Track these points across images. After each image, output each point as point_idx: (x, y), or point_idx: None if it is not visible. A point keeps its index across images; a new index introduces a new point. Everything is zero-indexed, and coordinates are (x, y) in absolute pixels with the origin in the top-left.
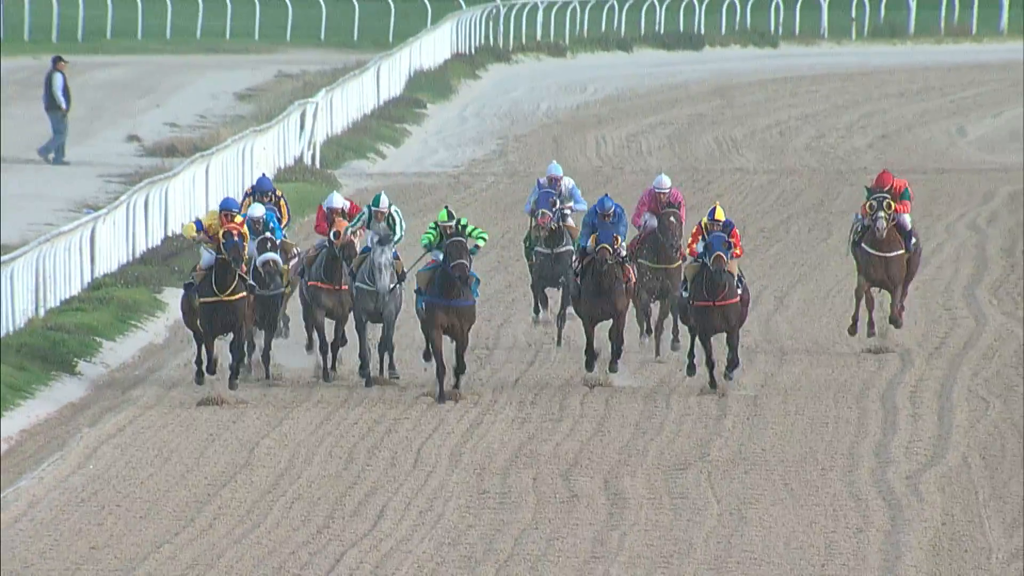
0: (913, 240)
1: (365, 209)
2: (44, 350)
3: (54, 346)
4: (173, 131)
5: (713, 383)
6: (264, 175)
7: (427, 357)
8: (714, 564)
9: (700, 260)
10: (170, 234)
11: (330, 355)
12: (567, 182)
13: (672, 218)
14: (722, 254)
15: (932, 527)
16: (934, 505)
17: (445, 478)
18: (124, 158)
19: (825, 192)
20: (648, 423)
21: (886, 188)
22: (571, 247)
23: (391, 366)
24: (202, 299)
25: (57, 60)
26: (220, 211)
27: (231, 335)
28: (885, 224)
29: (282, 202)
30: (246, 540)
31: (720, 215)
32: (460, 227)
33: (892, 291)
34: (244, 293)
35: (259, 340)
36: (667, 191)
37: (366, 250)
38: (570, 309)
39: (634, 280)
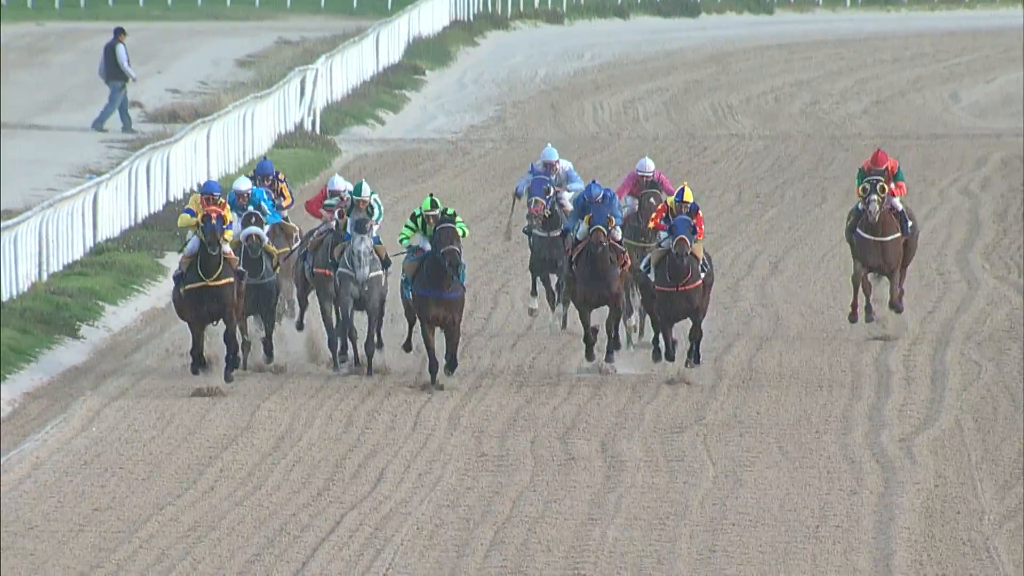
0: (910, 223)
1: (346, 195)
2: (47, 314)
3: (57, 310)
4: (175, 97)
5: (671, 356)
6: (266, 158)
7: (407, 348)
8: (709, 526)
9: (664, 245)
10: (171, 199)
11: (339, 347)
12: (564, 165)
13: (652, 199)
14: (686, 238)
15: (925, 489)
16: (927, 467)
17: (444, 441)
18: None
19: (820, 158)
20: (644, 387)
21: (881, 168)
22: (568, 228)
23: (369, 363)
24: (187, 286)
25: (119, 32)
26: (201, 195)
27: (222, 325)
28: (878, 207)
29: (283, 185)
30: (247, 502)
31: (688, 196)
32: (446, 214)
33: (890, 276)
34: (231, 279)
35: (260, 332)
36: (650, 174)
37: (348, 237)
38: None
39: (629, 264)
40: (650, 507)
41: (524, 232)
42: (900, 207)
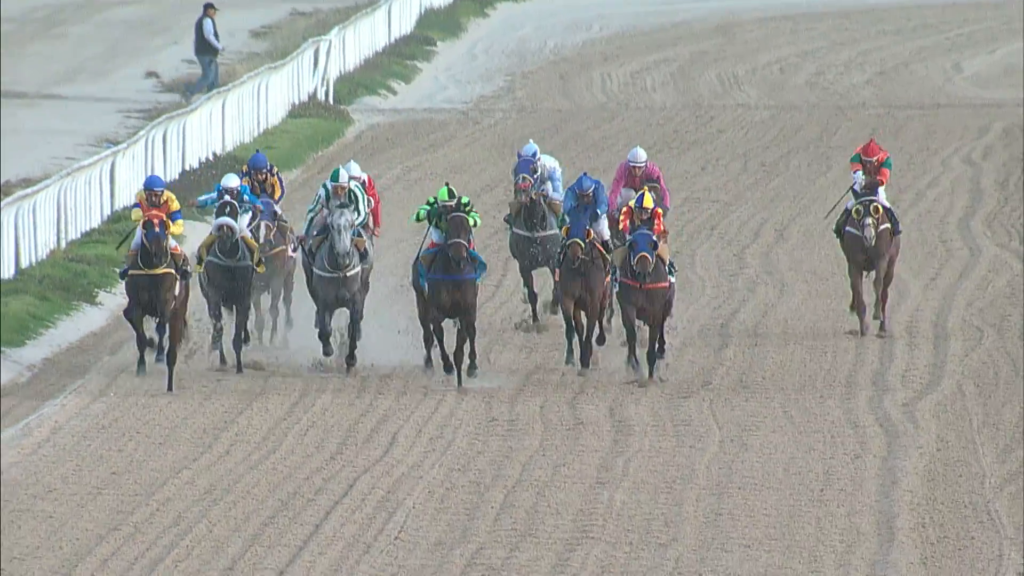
0: (896, 221)
1: (321, 189)
2: (66, 281)
3: (75, 277)
4: (190, 68)
5: (639, 376)
6: (259, 151)
7: (428, 362)
8: (716, 489)
9: (627, 245)
10: (187, 168)
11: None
12: (549, 163)
13: (652, 193)
14: (647, 255)
15: (927, 453)
16: (929, 432)
17: (455, 406)
18: (143, 94)
19: (824, 127)
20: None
21: (873, 158)
22: (555, 231)
23: (351, 357)
24: (130, 272)
25: (208, 7)
26: (144, 190)
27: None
28: (873, 233)
29: (275, 179)
30: (262, 466)
31: (648, 202)
32: (461, 205)
33: (877, 269)
34: (171, 270)
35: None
36: (642, 164)
37: (323, 231)
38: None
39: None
40: (657, 471)
41: (505, 221)
42: (887, 203)
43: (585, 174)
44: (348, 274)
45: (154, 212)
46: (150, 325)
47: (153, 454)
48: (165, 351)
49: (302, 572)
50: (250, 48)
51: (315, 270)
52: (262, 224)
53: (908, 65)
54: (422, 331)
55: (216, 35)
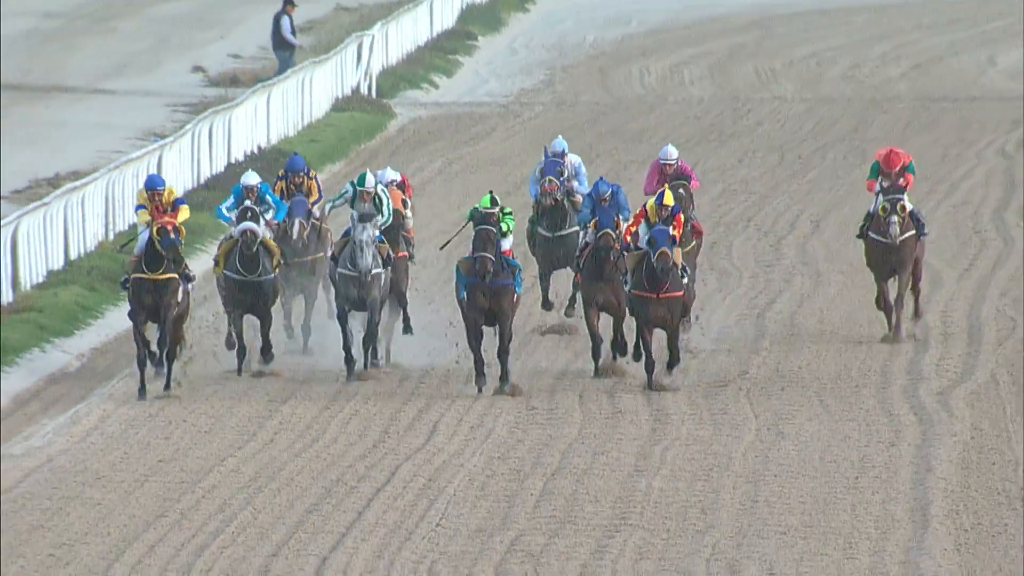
0: (922, 223)
1: (348, 187)
2: (114, 272)
3: (123, 268)
4: (236, 62)
5: (650, 383)
6: (296, 154)
7: (479, 377)
8: (752, 477)
9: (642, 250)
10: (233, 161)
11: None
12: (574, 159)
13: (681, 190)
14: (667, 250)
15: (961, 441)
16: (963, 420)
17: (495, 396)
18: (189, 88)
19: (860, 120)
20: (688, 343)
21: (895, 169)
22: (576, 228)
23: (375, 354)
24: (132, 275)
25: (287, 3)
26: (146, 191)
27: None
28: (898, 231)
29: (313, 182)
30: (305, 454)
31: (668, 200)
32: (503, 214)
33: (900, 275)
34: (175, 275)
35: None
36: (674, 162)
37: (347, 232)
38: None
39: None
40: (694, 459)
41: (530, 223)
42: (911, 207)
43: (601, 179)
44: (371, 273)
45: (166, 219)
46: (151, 333)
47: (199, 442)
48: (164, 354)
49: (345, 558)
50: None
51: (338, 268)
52: (296, 221)
53: (943, 59)
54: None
55: (293, 31)
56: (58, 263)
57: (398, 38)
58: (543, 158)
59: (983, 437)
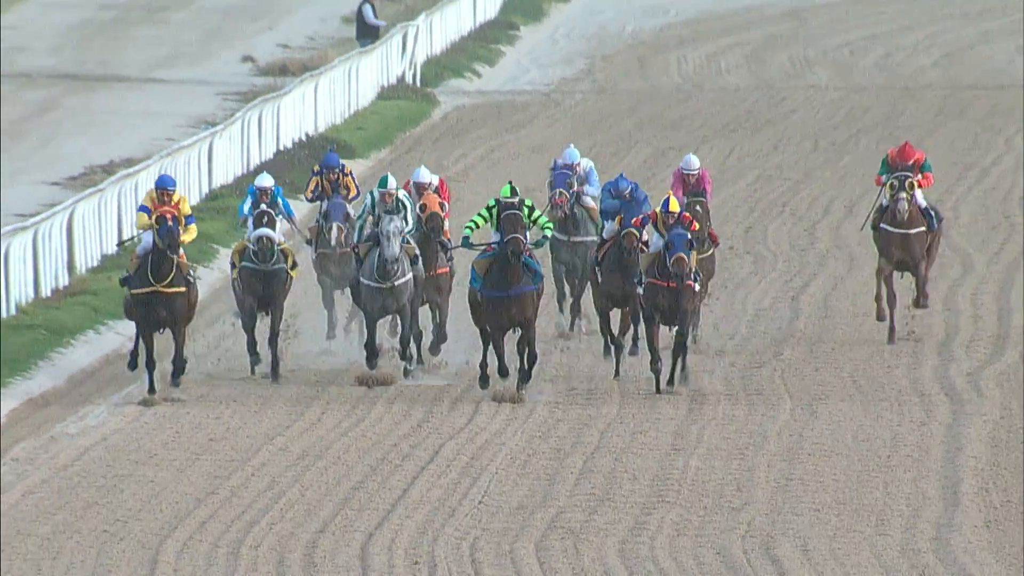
0: (935, 219)
1: (367, 196)
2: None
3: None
4: (285, 52)
5: (658, 387)
6: (331, 151)
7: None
8: (786, 455)
9: (654, 252)
10: (281, 148)
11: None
12: (585, 164)
13: (698, 207)
14: (683, 255)
15: (991, 420)
16: (993, 400)
17: (536, 376)
18: (239, 77)
19: (892, 108)
20: (725, 324)
21: (908, 162)
22: (592, 236)
23: (418, 358)
24: (134, 290)
25: None
26: (155, 189)
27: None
28: (907, 207)
29: (349, 179)
30: (352, 433)
31: (674, 206)
32: (523, 205)
33: (914, 270)
34: (182, 288)
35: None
36: (695, 171)
37: (371, 237)
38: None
39: None
40: (730, 438)
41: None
42: (924, 203)
43: (621, 174)
44: (396, 283)
45: (166, 208)
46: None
47: (248, 421)
48: (174, 370)
49: (390, 534)
50: (342, 33)
51: (362, 279)
52: (334, 225)
53: (973, 47)
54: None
55: (375, 16)
56: (112, 247)
57: (442, 28)
58: (553, 168)
59: (1012, 417)
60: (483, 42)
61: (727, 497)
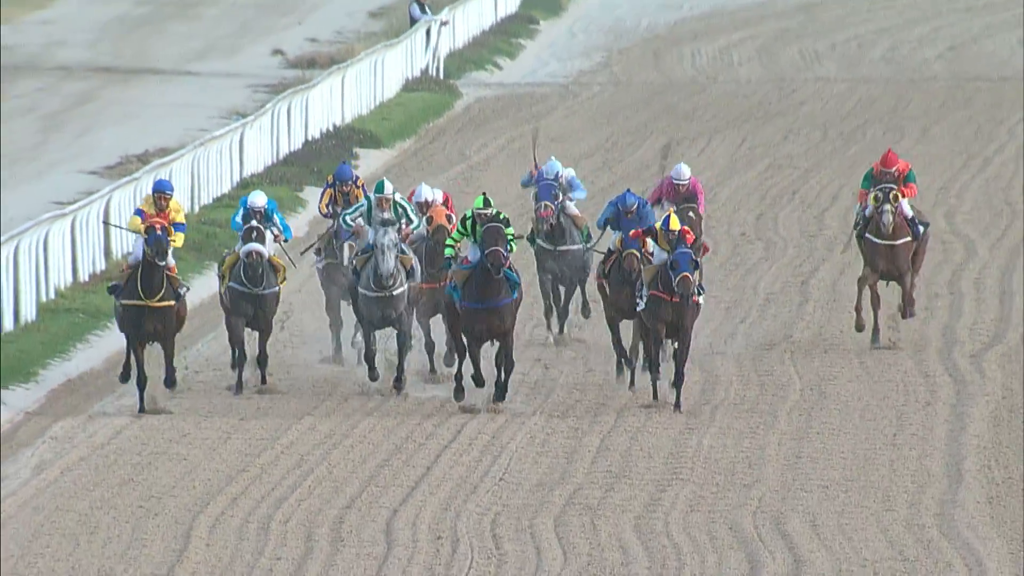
0: (921, 228)
1: (364, 200)
2: (198, 242)
3: (207, 239)
4: (313, 45)
5: (656, 394)
6: (344, 163)
7: (448, 363)
8: (796, 435)
9: (657, 264)
10: (310, 138)
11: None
12: (567, 173)
13: (691, 213)
14: (689, 275)
15: (993, 400)
16: (995, 381)
17: (554, 359)
18: (269, 70)
19: (898, 99)
20: (737, 308)
21: (891, 169)
22: (578, 244)
23: (398, 378)
24: (124, 301)
25: None
26: (153, 194)
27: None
28: (891, 219)
29: (360, 191)
30: (377, 412)
31: (675, 224)
32: (497, 216)
33: (900, 280)
34: (172, 302)
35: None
36: (686, 182)
37: (368, 248)
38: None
39: None
40: (742, 418)
41: (528, 240)
42: (910, 213)
43: (628, 191)
44: (394, 293)
45: (156, 219)
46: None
47: (278, 402)
48: (166, 380)
49: (414, 510)
50: (368, 28)
51: (360, 289)
52: (346, 245)
53: (977, 40)
54: (454, 344)
55: (423, 9)
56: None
57: (464, 22)
58: (536, 177)
59: (1014, 396)
60: (504, 36)
61: (739, 474)
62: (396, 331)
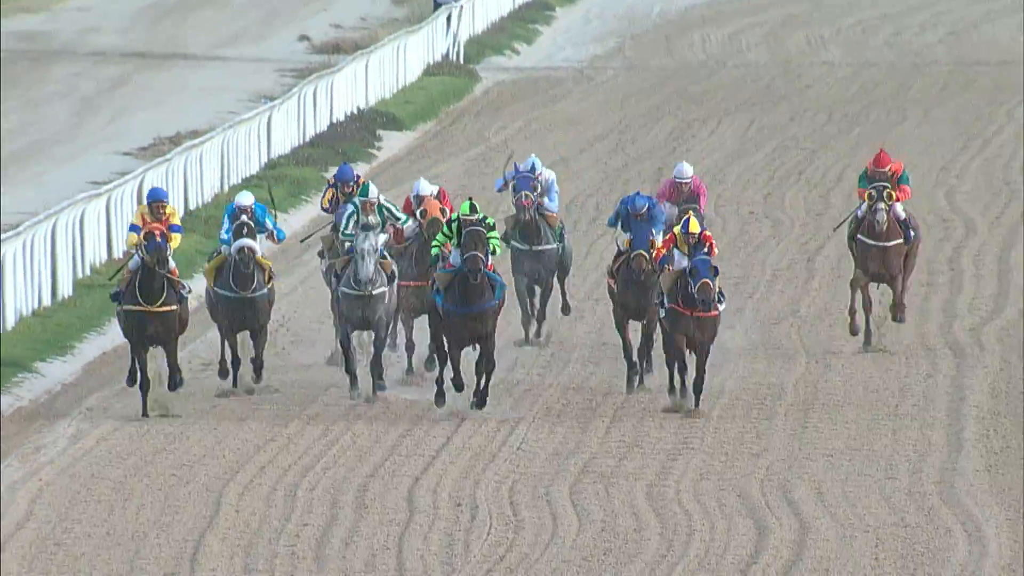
0: (912, 233)
1: (350, 204)
2: None
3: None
4: (338, 32)
5: (677, 407)
6: (345, 164)
7: (429, 367)
8: (802, 405)
9: (677, 270)
10: (335, 121)
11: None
12: (547, 175)
13: (692, 213)
14: (709, 281)
15: (991, 372)
16: (993, 353)
17: (569, 332)
18: (296, 55)
19: (901, 83)
20: (745, 284)
21: (884, 169)
22: (552, 245)
23: (378, 378)
24: (125, 307)
25: None
26: (148, 203)
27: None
28: (885, 218)
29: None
30: (399, 387)
31: (694, 227)
32: (483, 220)
33: (891, 283)
34: (174, 307)
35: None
36: (688, 180)
37: (351, 251)
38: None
39: None
40: (750, 389)
41: (503, 239)
42: (903, 215)
43: (638, 192)
44: (373, 292)
45: (155, 225)
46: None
47: (304, 375)
48: (172, 383)
49: (435, 479)
50: (391, 14)
51: (341, 288)
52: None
53: (978, 26)
54: (429, 351)
55: None
56: (179, 212)
57: (483, 9)
58: (512, 172)
59: (1012, 369)
60: (521, 22)
61: (747, 444)
62: (375, 334)
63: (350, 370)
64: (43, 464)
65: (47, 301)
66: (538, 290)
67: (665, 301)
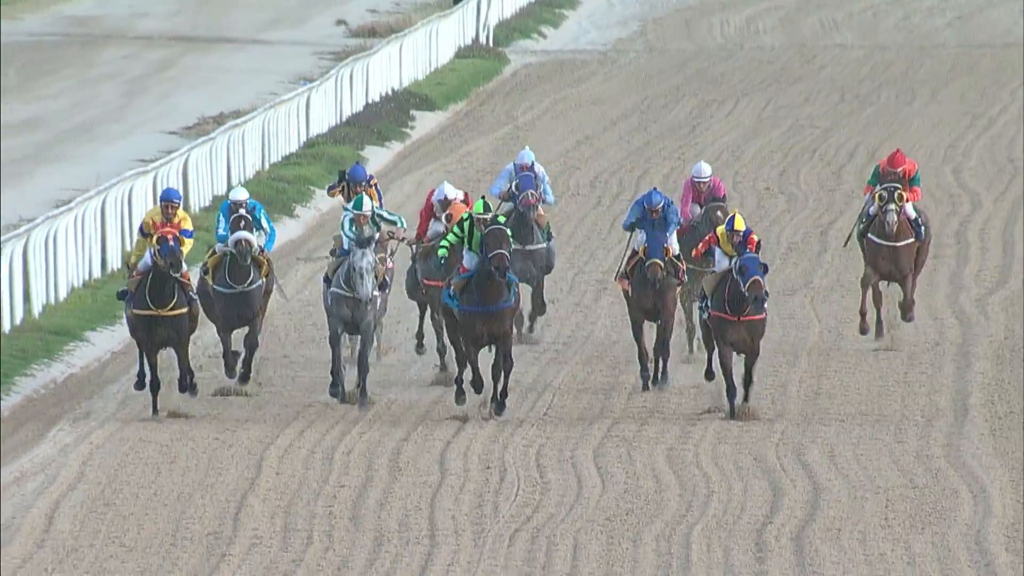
0: (923, 229)
1: (344, 215)
2: (269, 197)
3: (276, 194)
4: (373, 16)
5: (732, 412)
6: (358, 164)
7: (461, 367)
8: (816, 372)
9: (719, 272)
10: (370, 101)
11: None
12: (539, 170)
13: (719, 212)
14: (759, 279)
15: (996, 341)
16: (998, 323)
17: (592, 303)
18: (333, 38)
19: (910, 64)
20: (762, 256)
21: (898, 170)
22: (542, 244)
23: (363, 391)
24: (136, 311)
25: None
26: (160, 203)
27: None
28: (895, 218)
29: (373, 190)
30: (429, 355)
31: (740, 224)
32: (496, 222)
33: (901, 283)
34: (185, 309)
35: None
36: (707, 179)
37: (344, 253)
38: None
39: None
40: (765, 357)
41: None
42: (913, 214)
43: (655, 189)
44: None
45: (167, 228)
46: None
47: (319, 361)
48: (185, 386)
49: (465, 443)
50: None
51: (332, 288)
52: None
53: (983, 10)
54: (454, 352)
55: None
56: (222, 189)
57: None
58: (509, 171)
59: (1015, 337)
60: (548, 6)
61: (763, 409)
62: (360, 342)
63: (335, 370)
64: (93, 428)
65: (97, 273)
66: (529, 289)
67: (709, 305)
